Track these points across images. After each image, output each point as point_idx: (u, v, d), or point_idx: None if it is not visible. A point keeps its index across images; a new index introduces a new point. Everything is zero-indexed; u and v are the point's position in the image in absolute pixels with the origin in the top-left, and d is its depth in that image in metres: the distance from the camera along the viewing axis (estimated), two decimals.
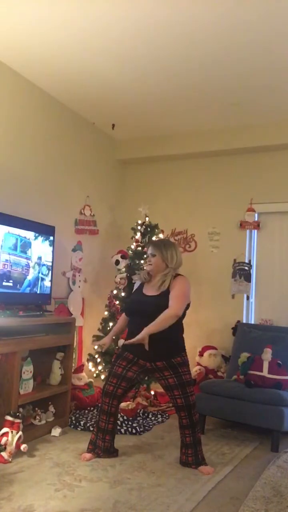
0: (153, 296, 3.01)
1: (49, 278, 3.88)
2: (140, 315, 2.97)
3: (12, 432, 2.98)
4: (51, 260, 3.91)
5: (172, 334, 2.98)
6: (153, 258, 3.07)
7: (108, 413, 3.04)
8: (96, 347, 3.52)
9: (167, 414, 4.19)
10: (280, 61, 3.48)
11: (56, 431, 3.48)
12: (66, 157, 4.52)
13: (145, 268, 3.20)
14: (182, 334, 3.08)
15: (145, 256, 3.17)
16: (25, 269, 3.60)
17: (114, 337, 3.37)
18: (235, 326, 4.61)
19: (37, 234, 3.73)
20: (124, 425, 3.74)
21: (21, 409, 3.30)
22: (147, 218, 4.67)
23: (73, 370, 4.03)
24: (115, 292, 4.53)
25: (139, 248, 4.53)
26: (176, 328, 3.01)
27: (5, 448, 2.94)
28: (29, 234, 3.64)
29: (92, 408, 4.13)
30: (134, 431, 3.66)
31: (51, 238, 3.91)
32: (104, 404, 3.04)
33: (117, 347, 4.17)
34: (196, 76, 3.78)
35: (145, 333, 2.78)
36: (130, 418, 3.92)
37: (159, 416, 4.12)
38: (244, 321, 4.79)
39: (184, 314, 3.04)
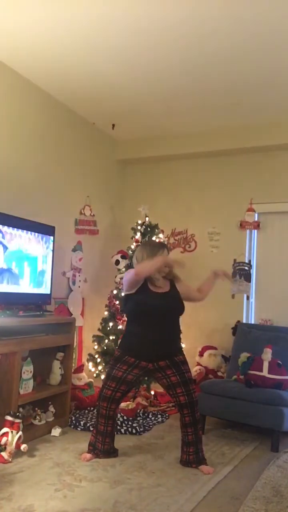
0: (168, 291, 3.05)
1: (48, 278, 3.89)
2: (156, 313, 2.97)
3: (12, 432, 2.97)
4: (51, 260, 3.91)
5: (176, 332, 3.06)
6: None
7: (106, 417, 3.04)
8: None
9: (167, 414, 4.19)
10: (281, 61, 3.48)
11: (56, 431, 3.48)
12: (66, 157, 4.52)
13: (165, 270, 3.18)
14: (180, 333, 3.15)
15: None
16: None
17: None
18: (235, 326, 4.61)
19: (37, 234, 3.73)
20: (124, 425, 3.74)
21: (21, 409, 3.30)
22: (147, 218, 4.67)
23: (73, 370, 4.03)
24: (115, 292, 4.53)
25: None
26: (178, 327, 3.09)
27: (5, 448, 2.94)
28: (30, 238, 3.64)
29: (92, 408, 4.12)
30: (134, 431, 3.66)
31: (51, 238, 3.91)
32: (102, 408, 3.03)
33: (117, 347, 4.16)
34: (196, 76, 3.77)
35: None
36: (130, 418, 3.92)
37: (159, 416, 4.12)
38: (244, 321, 4.79)
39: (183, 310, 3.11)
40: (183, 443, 3.05)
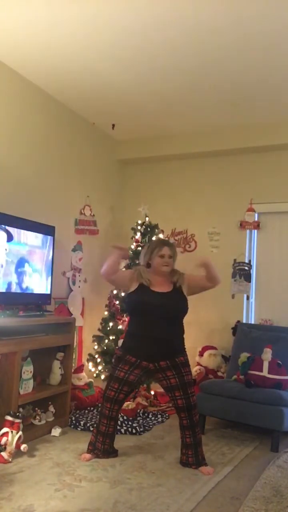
0: (169, 292, 3.02)
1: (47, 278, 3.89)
2: (156, 312, 2.94)
3: (12, 432, 2.97)
4: (51, 260, 3.91)
5: (177, 333, 3.03)
6: (170, 260, 3.08)
7: (109, 418, 3.04)
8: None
9: (167, 414, 4.19)
10: (280, 61, 3.48)
11: (56, 431, 3.48)
12: (66, 157, 4.52)
13: (162, 269, 3.11)
14: (184, 334, 3.09)
15: (159, 255, 3.00)
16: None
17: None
18: (235, 326, 4.61)
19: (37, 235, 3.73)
20: (124, 425, 3.74)
21: (21, 409, 3.30)
22: (147, 218, 4.67)
23: (73, 370, 4.03)
24: (115, 292, 4.53)
25: (139, 248, 4.53)
26: (180, 327, 3.06)
27: (5, 448, 2.94)
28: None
29: (92, 408, 4.13)
30: (134, 431, 3.66)
31: (51, 238, 3.91)
32: (105, 409, 3.03)
33: (117, 347, 4.17)
34: (196, 76, 3.77)
35: (208, 260, 3.05)
36: (130, 418, 3.92)
37: (159, 416, 4.12)
38: (244, 321, 4.79)
39: (185, 312, 3.08)
40: (182, 444, 3.05)
